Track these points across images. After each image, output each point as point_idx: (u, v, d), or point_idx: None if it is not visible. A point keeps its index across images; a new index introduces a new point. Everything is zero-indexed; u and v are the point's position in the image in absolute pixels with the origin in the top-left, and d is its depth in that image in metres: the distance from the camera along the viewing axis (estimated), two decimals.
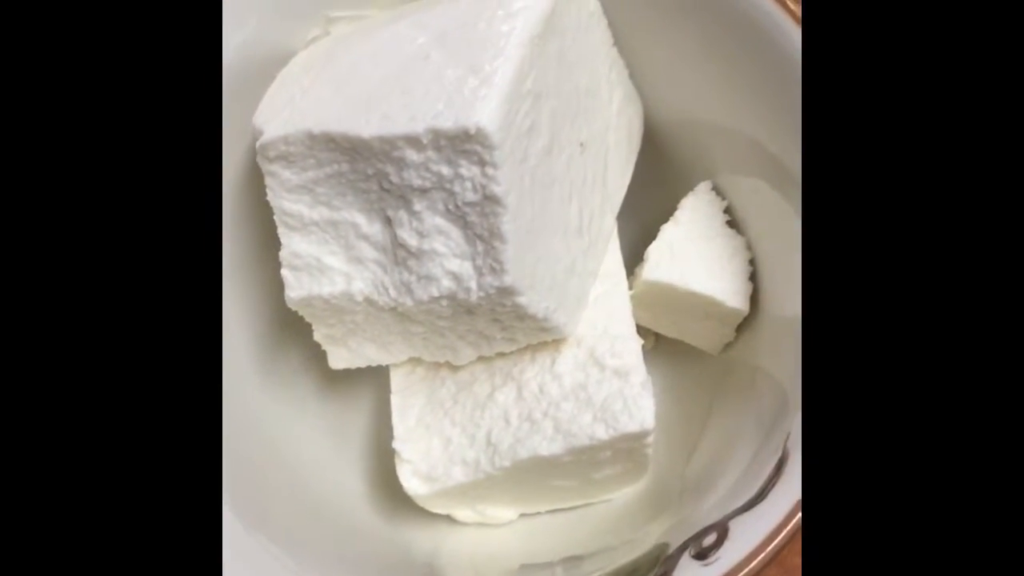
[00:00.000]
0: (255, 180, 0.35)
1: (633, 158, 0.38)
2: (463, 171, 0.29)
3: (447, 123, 0.28)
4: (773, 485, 0.27)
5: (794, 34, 0.32)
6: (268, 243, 0.34)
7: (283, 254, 0.33)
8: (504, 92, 0.29)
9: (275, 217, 0.32)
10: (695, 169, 0.38)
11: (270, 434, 0.38)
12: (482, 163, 0.29)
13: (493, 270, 0.30)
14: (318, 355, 0.36)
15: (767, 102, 0.34)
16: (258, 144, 0.32)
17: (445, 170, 0.29)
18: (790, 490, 0.27)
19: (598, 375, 0.33)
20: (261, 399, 0.38)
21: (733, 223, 0.37)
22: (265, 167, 0.32)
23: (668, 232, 0.37)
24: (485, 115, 0.28)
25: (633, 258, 0.38)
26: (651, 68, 0.37)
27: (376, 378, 0.38)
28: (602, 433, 0.32)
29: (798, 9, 0.32)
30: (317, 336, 0.35)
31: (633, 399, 0.33)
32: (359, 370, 0.36)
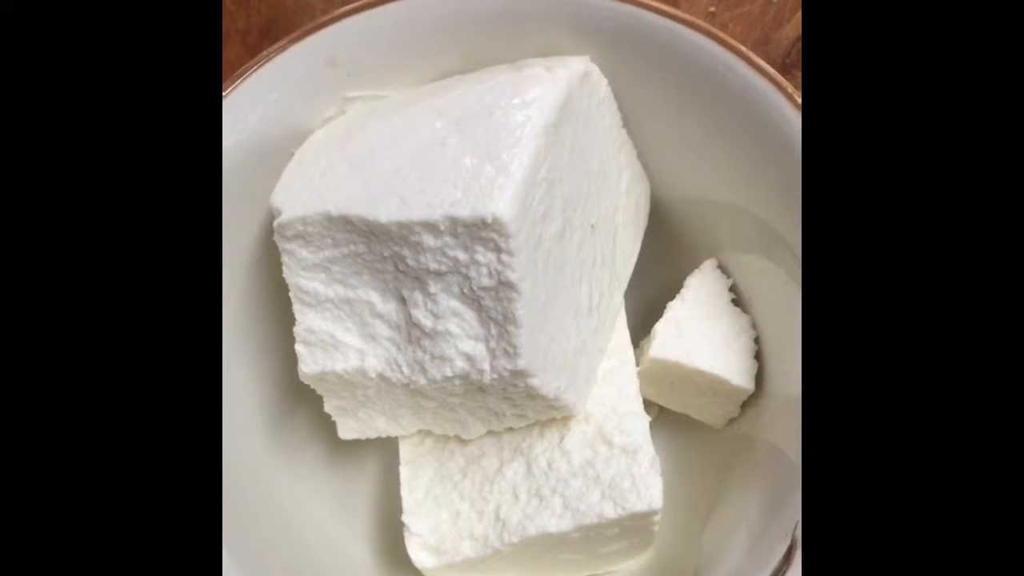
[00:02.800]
0: (271, 254, 0.35)
1: (640, 236, 0.39)
2: (479, 257, 0.30)
3: (464, 211, 0.29)
4: (782, 574, 0.28)
5: (794, 119, 0.33)
6: (283, 316, 0.35)
7: (298, 330, 0.33)
8: (520, 181, 0.30)
9: (291, 293, 0.33)
10: (700, 247, 0.39)
11: (278, 501, 0.38)
12: (498, 250, 0.29)
13: (507, 353, 0.30)
14: (327, 424, 0.36)
15: (770, 183, 0.35)
16: (276, 223, 0.32)
17: (461, 255, 0.30)
18: None
19: (606, 452, 0.34)
20: (270, 466, 0.38)
21: (738, 301, 0.38)
22: (282, 245, 0.32)
23: (674, 310, 0.37)
24: (502, 204, 0.29)
25: (640, 332, 0.38)
26: (659, 149, 0.38)
27: (384, 447, 0.39)
28: (610, 512, 0.33)
29: (798, 95, 0.33)
30: (328, 407, 0.35)
31: (641, 478, 0.33)
32: (367, 439, 0.36)
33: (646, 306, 0.39)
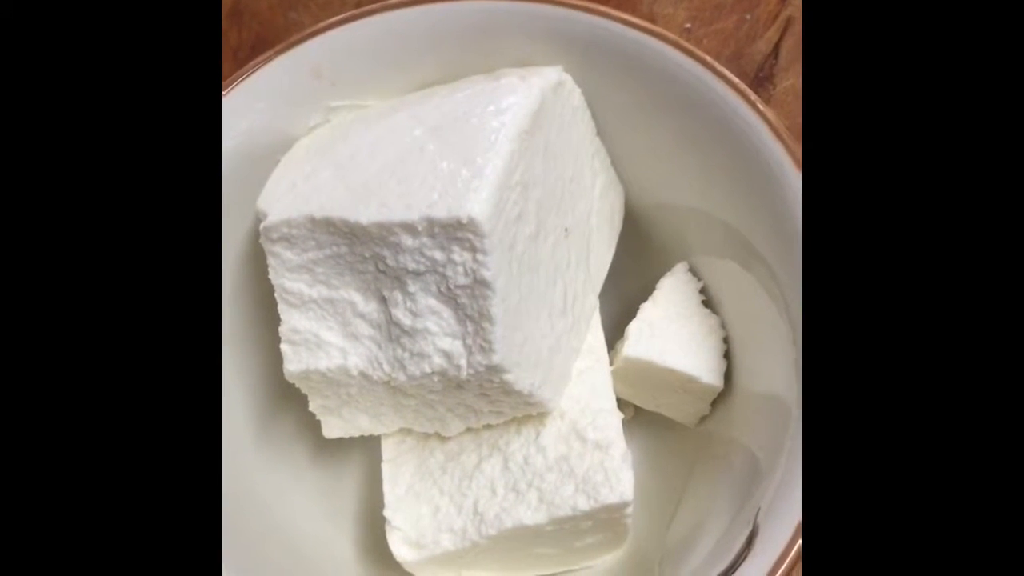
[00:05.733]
0: (257, 257, 0.36)
1: (614, 240, 0.40)
2: (455, 256, 0.31)
3: (441, 212, 0.30)
4: (743, 559, 0.29)
5: (760, 128, 0.35)
6: (267, 317, 0.36)
7: (283, 330, 0.34)
8: (494, 184, 0.31)
9: (276, 294, 0.34)
10: (672, 251, 0.41)
11: (264, 499, 0.39)
12: (473, 250, 0.31)
13: (482, 349, 0.32)
14: (312, 423, 0.37)
15: (737, 190, 0.36)
16: (262, 226, 0.33)
17: (438, 255, 0.31)
18: (760, 565, 0.28)
19: (580, 447, 0.35)
20: (256, 465, 0.39)
21: (708, 302, 0.39)
22: (268, 247, 0.34)
23: (647, 311, 0.38)
24: (476, 206, 0.30)
25: (614, 334, 0.40)
26: (632, 157, 0.40)
27: (367, 446, 0.40)
28: (583, 504, 0.34)
29: (762, 105, 0.35)
30: (312, 407, 0.36)
31: (613, 471, 0.34)
32: (351, 438, 0.38)
33: (620, 308, 0.40)
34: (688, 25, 0.52)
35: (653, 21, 0.51)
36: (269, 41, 0.53)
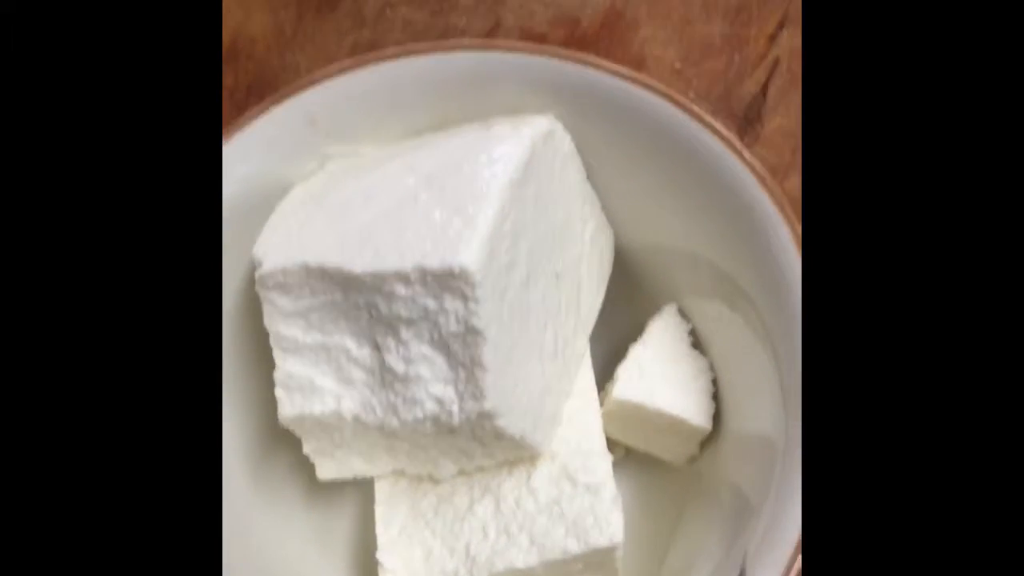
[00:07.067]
0: (252, 303, 0.37)
1: (604, 283, 0.41)
2: (447, 305, 0.32)
3: (433, 262, 0.31)
4: None
5: (743, 175, 0.35)
6: (262, 360, 0.36)
7: (277, 375, 0.35)
8: (485, 234, 0.32)
9: (271, 340, 0.35)
10: (662, 293, 0.41)
11: (257, 540, 0.39)
12: (465, 298, 0.31)
13: (474, 396, 0.32)
14: (306, 465, 0.37)
15: (724, 235, 0.36)
16: (257, 274, 0.34)
17: (431, 303, 0.32)
18: None
19: (571, 490, 0.35)
20: (249, 506, 0.39)
21: (697, 344, 0.40)
22: (263, 294, 0.34)
23: (637, 352, 0.39)
24: (468, 255, 0.31)
25: (604, 375, 0.40)
26: (622, 200, 0.40)
27: (360, 487, 0.40)
28: (574, 547, 0.34)
29: (747, 153, 0.35)
30: (306, 449, 0.37)
31: (603, 515, 0.35)
32: (345, 480, 0.38)
33: (610, 349, 0.41)
34: (678, 65, 0.52)
35: (644, 61, 0.52)
36: (265, 82, 0.53)
